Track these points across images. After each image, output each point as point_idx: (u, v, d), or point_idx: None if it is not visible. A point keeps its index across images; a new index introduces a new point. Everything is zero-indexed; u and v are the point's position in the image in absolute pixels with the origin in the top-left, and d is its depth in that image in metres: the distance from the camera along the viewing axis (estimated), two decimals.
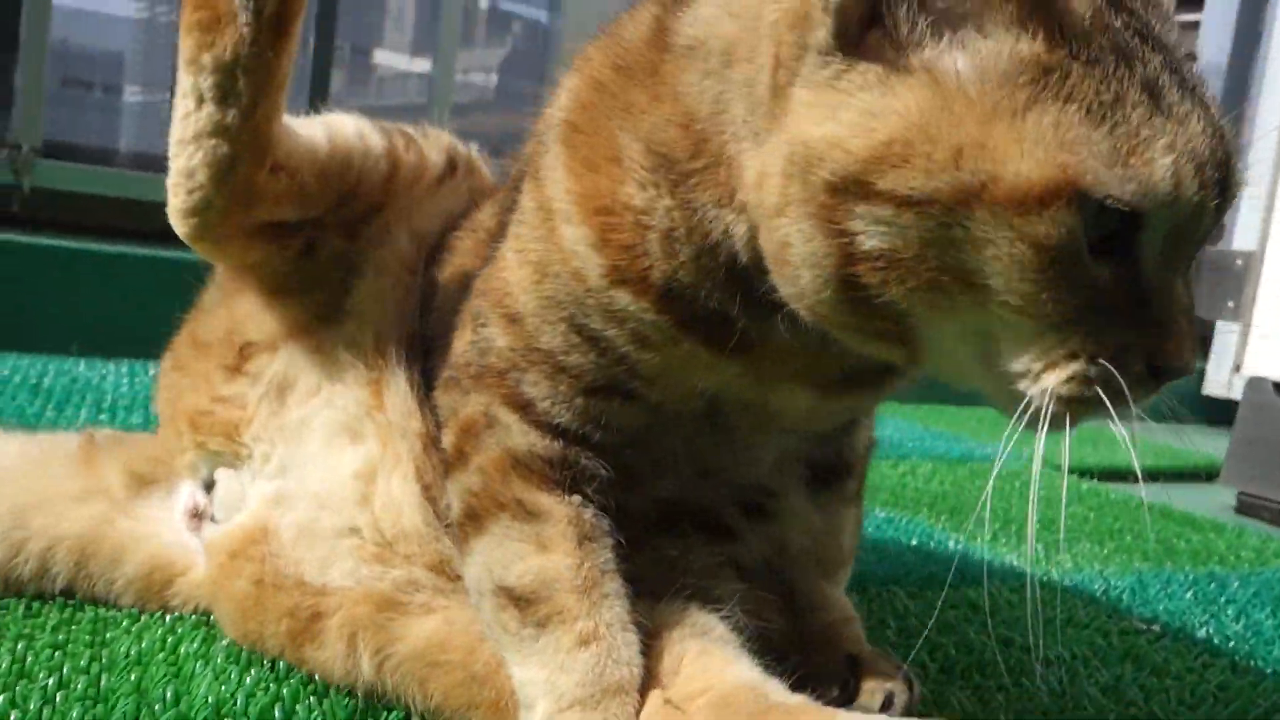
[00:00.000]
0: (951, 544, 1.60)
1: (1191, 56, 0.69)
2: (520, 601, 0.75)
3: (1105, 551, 1.72)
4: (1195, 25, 3.54)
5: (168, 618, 0.95)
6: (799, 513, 0.93)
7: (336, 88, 2.79)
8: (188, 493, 0.97)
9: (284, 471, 0.93)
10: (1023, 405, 0.64)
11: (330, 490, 0.89)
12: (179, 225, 0.91)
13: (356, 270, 0.96)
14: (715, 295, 0.73)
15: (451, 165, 1.05)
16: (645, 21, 0.76)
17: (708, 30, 0.71)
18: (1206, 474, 2.66)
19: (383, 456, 0.89)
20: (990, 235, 0.60)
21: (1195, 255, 0.67)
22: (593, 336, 0.77)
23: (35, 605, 0.95)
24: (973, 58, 0.61)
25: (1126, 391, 0.63)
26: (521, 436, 0.79)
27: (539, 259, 0.77)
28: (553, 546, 0.76)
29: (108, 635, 0.91)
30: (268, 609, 0.86)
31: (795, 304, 0.68)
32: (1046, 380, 0.63)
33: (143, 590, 0.95)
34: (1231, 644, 1.30)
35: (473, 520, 0.79)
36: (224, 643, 0.91)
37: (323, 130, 0.96)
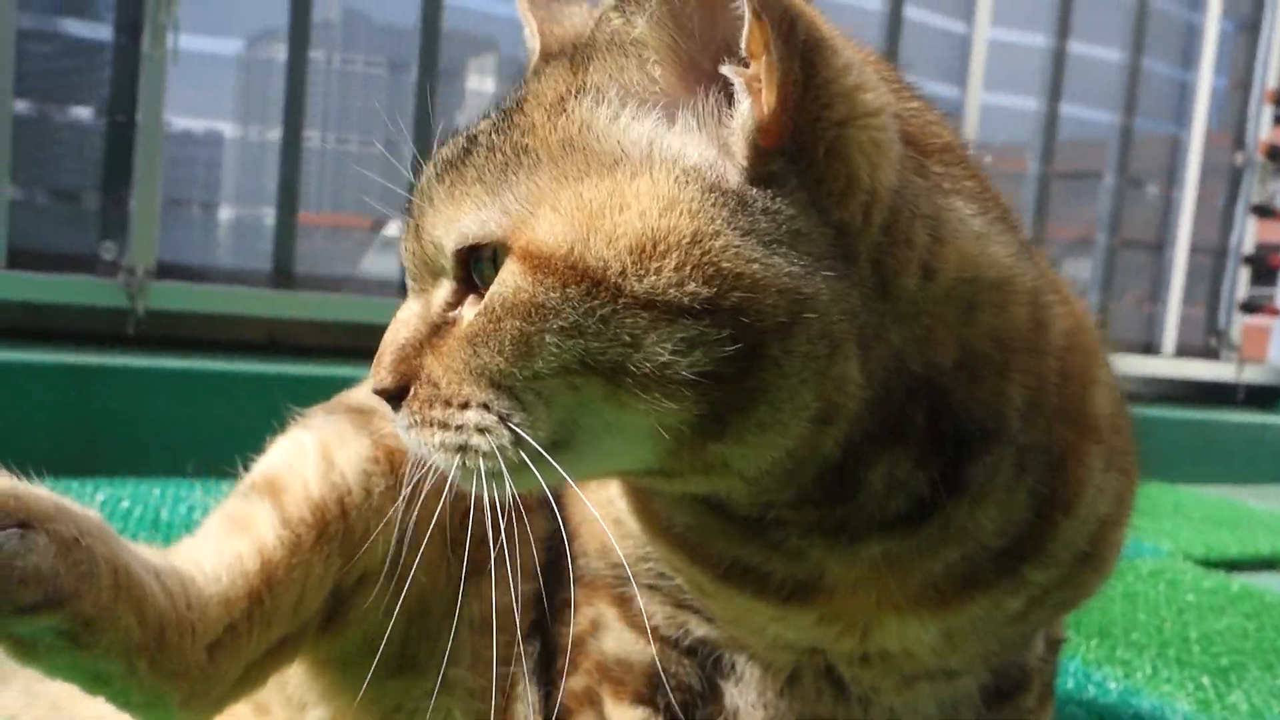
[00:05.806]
0: (1112, 686, 1.48)
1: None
2: None
3: (1279, 681, 1.58)
4: None
5: None
6: None
7: None
8: None
9: None
10: None
11: None
12: None
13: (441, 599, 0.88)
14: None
15: None
16: None
17: None
18: None
19: None
20: None
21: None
22: (668, 576, 0.80)
23: None
24: None
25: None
26: (618, 636, 0.83)
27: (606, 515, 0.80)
28: None
29: None
30: None
31: None
32: None
33: None
34: None
35: (566, 715, 0.84)
36: None
37: (261, 519, 0.83)
